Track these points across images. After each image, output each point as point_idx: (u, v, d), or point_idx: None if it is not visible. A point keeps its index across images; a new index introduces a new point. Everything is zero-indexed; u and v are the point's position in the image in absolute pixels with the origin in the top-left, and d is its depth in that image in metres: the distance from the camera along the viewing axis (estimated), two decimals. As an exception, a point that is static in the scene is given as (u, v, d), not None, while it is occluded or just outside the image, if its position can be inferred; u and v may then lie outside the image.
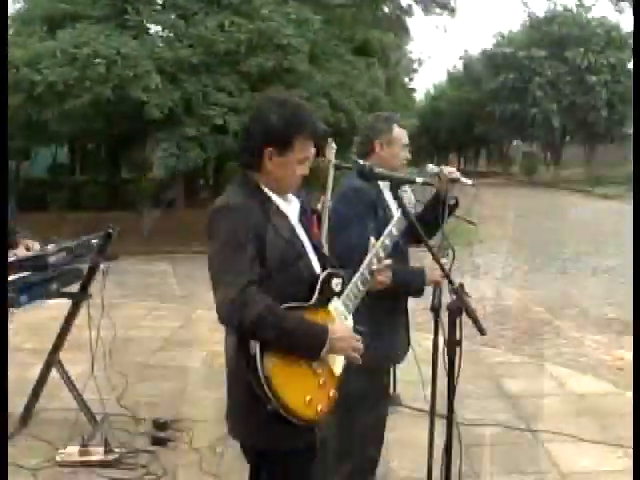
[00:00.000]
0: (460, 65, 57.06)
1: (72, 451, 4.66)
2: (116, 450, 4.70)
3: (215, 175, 25.63)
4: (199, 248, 14.18)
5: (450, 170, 3.84)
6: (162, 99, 16.59)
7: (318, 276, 2.74)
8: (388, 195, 3.77)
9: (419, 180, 3.04)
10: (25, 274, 4.63)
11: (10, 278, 4.45)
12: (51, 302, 5.57)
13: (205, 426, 5.33)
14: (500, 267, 14.10)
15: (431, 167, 3.92)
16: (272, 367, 2.49)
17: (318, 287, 2.71)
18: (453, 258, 3.26)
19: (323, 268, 2.81)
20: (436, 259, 2.91)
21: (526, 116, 42.50)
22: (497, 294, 11.32)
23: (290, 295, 2.62)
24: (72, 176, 29.08)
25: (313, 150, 2.76)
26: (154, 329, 8.37)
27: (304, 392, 2.57)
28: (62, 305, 5.52)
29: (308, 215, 2.91)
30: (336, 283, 2.76)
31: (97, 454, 4.63)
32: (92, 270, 5.11)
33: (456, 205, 3.96)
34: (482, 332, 2.72)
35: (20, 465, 4.61)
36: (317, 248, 2.88)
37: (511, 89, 43.00)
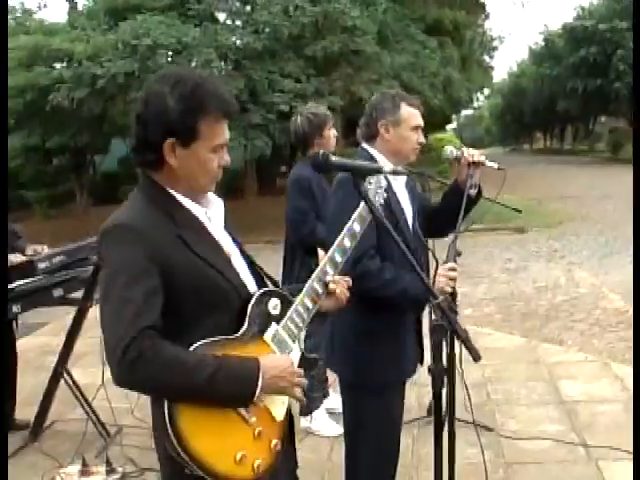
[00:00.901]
0: (541, 41, 55.29)
1: (72, 471, 4.32)
2: (119, 470, 4.35)
3: (290, 162, 25.22)
4: (270, 237, 13.90)
5: (472, 152, 3.36)
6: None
7: (250, 298, 2.17)
8: (396, 183, 3.24)
9: (387, 169, 2.42)
10: (21, 282, 4.31)
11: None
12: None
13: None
14: (577, 250, 13.35)
15: (450, 150, 3.46)
16: (185, 421, 1.93)
17: (249, 312, 2.12)
18: (436, 267, 2.74)
19: (260, 287, 2.25)
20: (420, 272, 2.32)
21: (610, 91, 40.75)
22: (571, 280, 10.66)
23: (212, 327, 2.06)
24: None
25: (227, 133, 2.19)
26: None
27: (233, 449, 2.00)
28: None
29: None
30: (273, 305, 2.19)
31: (98, 474, 4.30)
32: (96, 274, 4.73)
33: (479, 194, 3.45)
34: (475, 358, 2.20)
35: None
36: (253, 262, 2.34)
37: (593, 63, 41.26)
